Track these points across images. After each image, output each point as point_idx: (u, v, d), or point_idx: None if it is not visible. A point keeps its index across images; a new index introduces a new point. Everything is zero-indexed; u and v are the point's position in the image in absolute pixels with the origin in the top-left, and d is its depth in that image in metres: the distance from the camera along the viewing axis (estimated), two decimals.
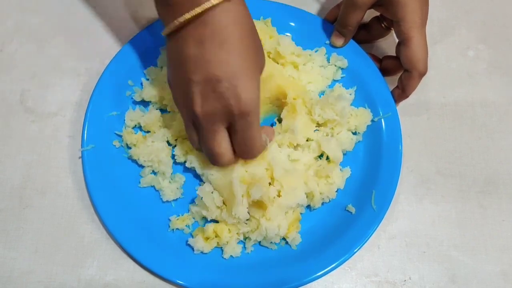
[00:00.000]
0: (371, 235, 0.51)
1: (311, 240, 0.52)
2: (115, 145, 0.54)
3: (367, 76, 0.58)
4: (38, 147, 0.55)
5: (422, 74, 0.53)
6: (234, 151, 0.48)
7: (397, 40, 0.54)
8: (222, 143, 0.46)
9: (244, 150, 0.47)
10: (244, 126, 0.45)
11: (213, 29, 0.42)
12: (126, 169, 0.54)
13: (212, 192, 0.51)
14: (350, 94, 0.57)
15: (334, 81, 0.59)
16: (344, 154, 0.55)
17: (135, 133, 0.54)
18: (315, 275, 0.49)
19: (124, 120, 0.55)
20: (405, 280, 0.53)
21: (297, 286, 0.49)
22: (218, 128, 0.45)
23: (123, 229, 0.50)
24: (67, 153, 0.55)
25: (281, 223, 0.50)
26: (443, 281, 0.53)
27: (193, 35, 0.43)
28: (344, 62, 0.58)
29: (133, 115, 0.55)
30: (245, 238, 0.52)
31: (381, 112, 0.56)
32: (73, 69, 0.59)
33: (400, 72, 0.55)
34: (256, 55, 0.45)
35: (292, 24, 0.60)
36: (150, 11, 0.61)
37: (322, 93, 0.58)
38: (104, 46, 0.60)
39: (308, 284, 0.51)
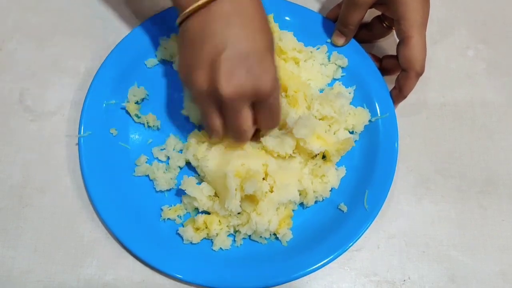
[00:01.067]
0: (362, 234, 0.51)
1: (301, 236, 0.52)
2: (112, 133, 0.54)
3: (367, 76, 0.58)
4: (37, 146, 0.55)
5: (419, 74, 0.53)
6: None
7: (397, 40, 0.54)
8: (248, 121, 0.47)
9: (270, 124, 0.49)
10: (273, 102, 0.46)
11: (238, 7, 0.44)
12: (121, 159, 0.54)
13: (198, 183, 0.51)
14: (350, 93, 0.57)
15: (334, 79, 0.59)
16: None
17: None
18: (302, 272, 0.49)
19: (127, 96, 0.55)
20: (404, 280, 0.53)
21: (285, 282, 0.49)
22: (245, 105, 0.46)
23: (119, 222, 0.50)
24: (66, 152, 0.55)
25: (272, 218, 0.50)
26: (443, 281, 0.53)
27: (219, 12, 0.43)
28: (344, 61, 0.58)
29: (136, 91, 0.55)
30: (235, 231, 0.52)
31: (379, 113, 0.56)
32: (73, 68, 0.59)
33: (399, 71, 0.55)
34: (271, 36, 0.47)
35: (294, 21, 0.59)
36: (150, 10, 0.61)
37: (322, 91, 0.58)
38: (103, 45, 0.60)
39: (307, 283, 0.51)
